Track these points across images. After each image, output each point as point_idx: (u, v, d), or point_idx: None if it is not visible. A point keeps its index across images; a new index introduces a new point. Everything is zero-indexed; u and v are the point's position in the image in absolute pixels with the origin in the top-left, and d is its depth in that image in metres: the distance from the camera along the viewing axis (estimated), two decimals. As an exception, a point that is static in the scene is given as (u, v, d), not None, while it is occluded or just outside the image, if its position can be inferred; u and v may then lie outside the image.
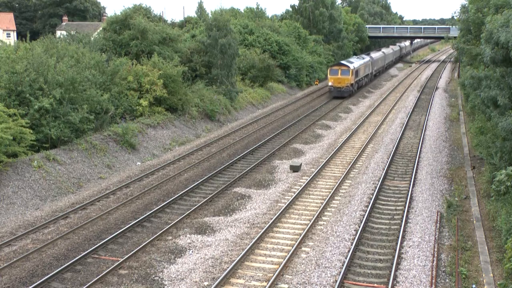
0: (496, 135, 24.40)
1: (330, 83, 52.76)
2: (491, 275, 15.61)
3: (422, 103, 51.11)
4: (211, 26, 43.48)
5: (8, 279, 15.43)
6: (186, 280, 15.45)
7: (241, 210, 21.50)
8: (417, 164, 28.02)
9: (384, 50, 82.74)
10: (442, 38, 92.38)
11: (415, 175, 26.05)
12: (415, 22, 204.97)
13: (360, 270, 16.25)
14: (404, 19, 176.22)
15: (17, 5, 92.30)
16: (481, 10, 26.43)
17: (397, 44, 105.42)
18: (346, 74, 52.19)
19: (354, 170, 27.17)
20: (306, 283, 15.20)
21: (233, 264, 15.98)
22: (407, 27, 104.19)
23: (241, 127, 38.59)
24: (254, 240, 17.76)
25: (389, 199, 22.89)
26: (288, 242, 18.14)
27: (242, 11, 74.30)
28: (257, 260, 16.79)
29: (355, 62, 55.90)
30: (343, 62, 54.35)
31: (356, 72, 54.34)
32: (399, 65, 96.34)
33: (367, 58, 63.29)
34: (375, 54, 71.50)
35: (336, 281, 15.28)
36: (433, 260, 16.61)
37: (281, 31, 64.03)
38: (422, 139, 34.25)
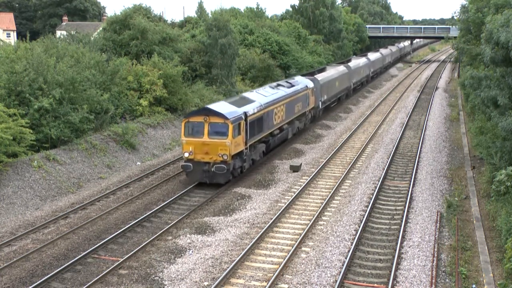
0: (496, 135, 24.38)
1: (186, 153, 23.79)
2: (491, 275, 15.61)
3: (422, 103, 51.11)
4: (211, 26, 43.47)
5: (8, 279, 15.43)
6: (186, 280, 15.44)
7: (241, 210, 21.49)
8: (417, 164, 28.01)
9: (353, 62, 57.48)
10: (442, 38, 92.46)
11: (415, 175, 26.05)
12: (415, 22, 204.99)
13: (360, 270, 16.25)
14: (404, 19, 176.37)
15: (17, 5, 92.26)
16: (481, 10, 26.41)
17: (381, 51, 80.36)
18: (220, 133, 23.46)
19: (354, 170, 27.17)
20: (306, 283, 15.19)
21: (233, 264, 15.98)
22: (407, 27, 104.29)
23: (241, 127, 38.53)
24: (254, 240, 17.76)
25: (389, 199, 22.89)
26: (288, 242, 18.14)
27: (242, 11, 74.25)
28: (257, 260, 16.78)
29: (256, 102, 26.72)
30: (213, 108, 24.09)
31: (253, 124, 25.54)
32: (399, 65, 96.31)
33: (299, 86, 34.35)
34: (328, 73, 44.23)
35: (336, 281, 15.28)
36: (433, 260, 16.61)
37: (281, 31, 63.99)
38: (422, 139, 34.25)
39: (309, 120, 37.81)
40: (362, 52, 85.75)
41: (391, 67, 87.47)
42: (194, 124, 23.92)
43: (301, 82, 35.88)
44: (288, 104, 31.21)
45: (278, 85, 32.72)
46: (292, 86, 33.59)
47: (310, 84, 36.72)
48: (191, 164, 23.65)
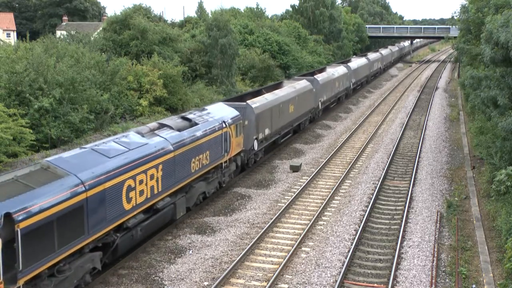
0: (496, 135, 24.38)
1: None
2: (491, 275, 15.61)
3: (422, 103, 51.11)
4: (211, 26, 43.51)
5: (8, 279, 15.41)
6: (186, 280, 15.44)
7: (241, 210, 21.49)
8: (417, 164, 28.02)
9: (325, 73, 43.15)
10: (442, 38, 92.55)
11: (415, 175, 26.05)
12: (415, 22, 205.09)
13: (360, 270, 16.25)
14: (404, 19, 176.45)
15: (17, 5, 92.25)
16: (481, 10, 26.39)
17: (368, 55, 66.76)
18: None
19: (354, 170, 27.17)
20: (306, 283, 15.20)
21: (233, 264, 15.98)
22: (407, 27, 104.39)
23: (241, 127, 38.51)
24: (254, 240, 17.76)
25: (389, 199, 22.89)
26: (288, 242, 18.14)
27: (242, 11, 74.29)
28: (257, 260, 16.78)
29: (70, 176, 13.05)
30: None
31: (48, 230, 11.78)
32: (399, 65, 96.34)
33: (206, 124, 20.39)
34: (276, 94, 29.78)
35: (336, 281, 15.28)
36: (433, 260, 16.61)
37: (281, 31, 64.01)
38: (422, 139, 34.25)
39: (232, 174, 23.75)
40: (362, 52, 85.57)
41: (381, 73, 76.82)
42: None
43: (215, 115, 21.74)
44: (173, 160, 17.40)
45: (162, 126, 18.56)
46: (193, 124, 19.80)
47: (234, 117, 23.00)
48: None
